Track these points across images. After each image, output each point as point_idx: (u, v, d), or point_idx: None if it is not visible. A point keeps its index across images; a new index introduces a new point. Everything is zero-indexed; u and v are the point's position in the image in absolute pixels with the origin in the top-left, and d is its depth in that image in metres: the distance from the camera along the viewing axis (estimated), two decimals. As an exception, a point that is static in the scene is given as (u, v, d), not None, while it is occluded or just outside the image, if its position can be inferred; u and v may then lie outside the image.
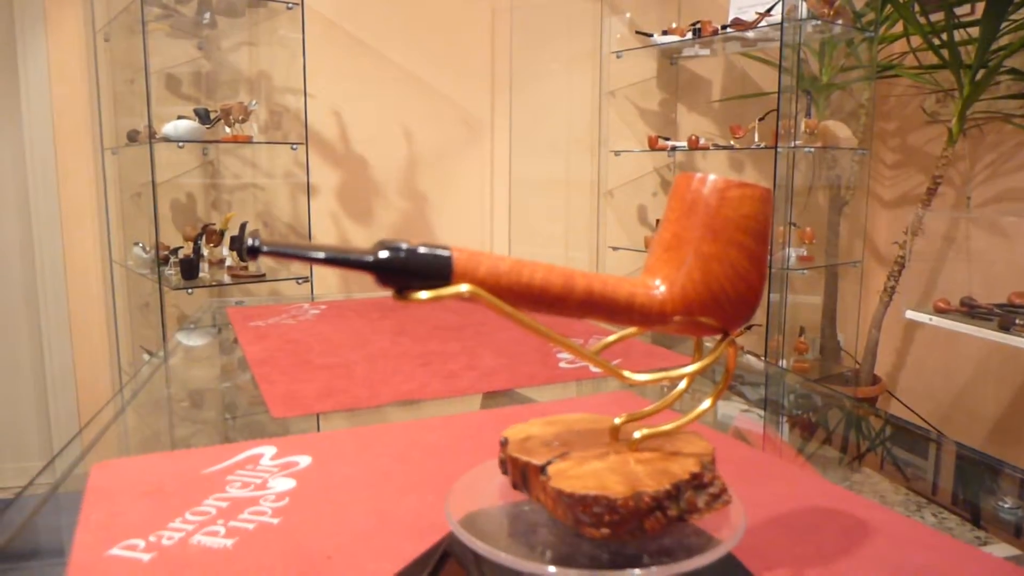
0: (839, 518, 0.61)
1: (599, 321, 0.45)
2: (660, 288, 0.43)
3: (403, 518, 0.61)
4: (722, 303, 0.43)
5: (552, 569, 0.38)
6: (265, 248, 0.40)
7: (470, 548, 0.41)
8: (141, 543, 0.56)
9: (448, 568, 0.45)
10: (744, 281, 0.43)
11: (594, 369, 1.00)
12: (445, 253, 0.41)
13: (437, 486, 0.67)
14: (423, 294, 0.41)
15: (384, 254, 0.40)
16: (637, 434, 0.45)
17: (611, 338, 0.49)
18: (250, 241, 0.40)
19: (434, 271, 0.41)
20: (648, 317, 0.43)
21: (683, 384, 0.46)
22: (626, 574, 0.39)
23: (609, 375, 0.47)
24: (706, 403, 0.46)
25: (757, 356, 2.69)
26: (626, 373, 0.46)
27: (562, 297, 0.42)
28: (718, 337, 0.45)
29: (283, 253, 0.41)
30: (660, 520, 0.41)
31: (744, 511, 0.44)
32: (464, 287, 0.41)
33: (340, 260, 0.41)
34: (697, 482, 0.43)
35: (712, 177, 0.43)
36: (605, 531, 0.40)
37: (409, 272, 0.40)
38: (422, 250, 0.41)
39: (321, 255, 0.41)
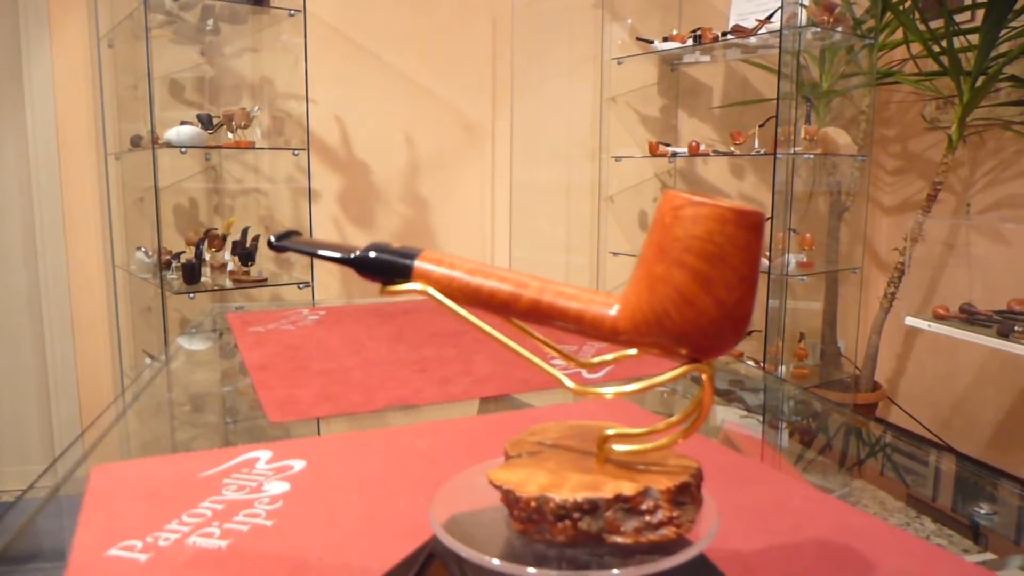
0: (818, 523, 0.62)
1: (559, 331, 0.45)
2: (615, 306, 0.43)
3: (393, 520, 0.62)
4: (668, 328, 0.41)
5: (532, 570, 0.40)
6: (279, 244, 0.50)
7: (452, 550, 0.42)
8: (138, 544, 0.58)
9: (433, 569, 0.46)
10: (692, 307, 0.40)
11: (587, 375, 1.01)
12: (411, 254, 0.46)
13: (427, 489, 0.68)
14: (392, 289, 0.47)
15: (361, 253, 0.47)
16: (617, 447, 0.45)
17: (609, 356, 0.50)
18: (271, 238, 0.50)
19: (397, 270, 0.46)
20: (601, 334, 0.43)
21: (676, 416, 0.44)
22: (586, 575, 0.40)
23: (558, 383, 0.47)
24: (666, 439, 0.44)
25: (756, 362, 2.70)
26: (565, 380, 0.47)
27: (507, 304, 0.44)
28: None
29: (293, 248, 0.50)
30: (568, 529, 0.40)
31: (718, 514, 0.45)
32: (415, 285, 0.46)
33: (332, 257, 0.48)
34: (626, 505, 0.41)
35: (694, 198, 0.40)
36: (519, 526, 0.42)
37: (377, 270, 0.46)
38: (391, 251, 0.47)
39: (320, 252, 0.49)
